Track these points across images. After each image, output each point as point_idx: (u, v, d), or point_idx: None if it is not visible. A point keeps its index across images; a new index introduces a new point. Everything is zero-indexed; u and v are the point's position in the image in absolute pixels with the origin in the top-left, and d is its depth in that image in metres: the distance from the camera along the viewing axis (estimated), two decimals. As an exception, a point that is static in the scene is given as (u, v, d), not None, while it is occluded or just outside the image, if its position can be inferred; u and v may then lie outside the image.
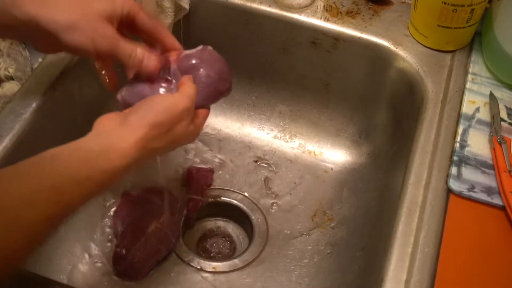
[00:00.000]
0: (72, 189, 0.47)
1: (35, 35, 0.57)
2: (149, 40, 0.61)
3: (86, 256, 0.77)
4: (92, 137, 0.52)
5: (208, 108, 0.61)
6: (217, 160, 0.90)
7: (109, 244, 0.79)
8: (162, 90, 0.59)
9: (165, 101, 0.55)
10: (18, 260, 0.44)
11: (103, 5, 0.56)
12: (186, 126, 0.56)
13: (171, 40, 0.62)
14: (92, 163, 0.49)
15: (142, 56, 0.57)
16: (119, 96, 0.59)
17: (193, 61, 0.60)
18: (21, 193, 0.44)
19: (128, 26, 0.60)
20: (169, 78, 0.60)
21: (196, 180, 0.85)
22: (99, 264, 0.77)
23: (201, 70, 0.60)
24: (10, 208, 0.42)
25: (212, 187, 0.87)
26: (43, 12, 0.54)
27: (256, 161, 0.90)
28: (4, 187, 0.43)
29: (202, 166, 0.88)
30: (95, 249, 0.78)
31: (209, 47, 0.62)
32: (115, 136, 0.51)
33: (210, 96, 0.61)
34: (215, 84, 0.61)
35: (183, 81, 0.58)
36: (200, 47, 0.62)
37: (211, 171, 0.87)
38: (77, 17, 0.55)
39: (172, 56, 0.61)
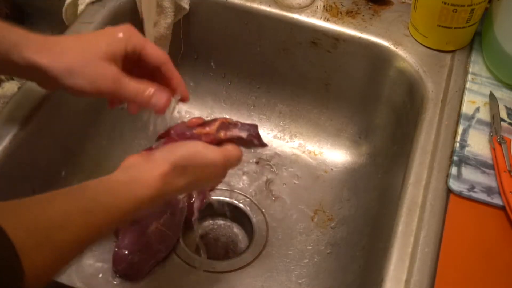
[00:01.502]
0: (100, 214, 0.48)
1: (37, 78, 0.58)
2: (157, 77, 0.60)
3: (86, 256, 0.77)
4: (119, 171, 0.54)
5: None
6: (217, 160, 0.90)
7: (109, 244, 0.79)
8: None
9: (195, 147, 0.57)
10: (47, 279, 0.45)
11: (105, 44, 0.55)
12: (213, 175, 0.59)
13: (178, 79, 0.60)
14: (117, 193, 0.50)
15: (150, 94, 0.56)
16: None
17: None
18: (53, 216, 0.45)
19: (135, 64, 0.59)
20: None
21: None
22: (99, 264, 0.77)
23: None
24: (43, 230, 0.43)
25: (212, 187, 0.87)
26: (42, 58, 0.54)
27: (256, 161, 0.90)
28: (37, 210, 0.44)
29: None
30: (95, 249, 0.78)
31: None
32: (140, 169, 0.53)
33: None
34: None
35: (229, 144, 0.61)
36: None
37: None
38: (76, 61, 0.54)
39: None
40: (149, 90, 0.57)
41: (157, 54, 0.58)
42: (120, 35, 0.56)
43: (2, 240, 0.39)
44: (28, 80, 0.62)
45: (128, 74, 0.56)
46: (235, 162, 0.61)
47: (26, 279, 0.40)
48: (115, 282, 0.76)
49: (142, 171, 0.53)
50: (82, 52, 0.54)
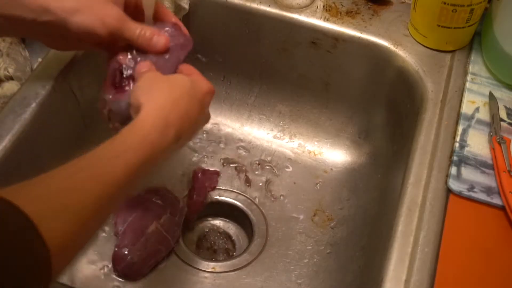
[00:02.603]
0: (112, 163, 0.48)
1: (45, 27, 0.58)
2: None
3: (86, 256, 0.77)
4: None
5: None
6: (216, 160, 0.90)
7: (109, 244, 0.79)
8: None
9: (157, 82, 0.57)
10: (74, 247, 0.44)
11: None
12: (196, 105, 0.57)
13: (170, 15, 0.63)
14: (124, 138, 0.50)
15: (151, 34, 0.59)
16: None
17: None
18: (61, 181, 0.44)
19: (130, 11, 0.60)
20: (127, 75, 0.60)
21: (201, 182, 0.85)
22: (99, 264, 0.77)
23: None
24: (56, 197, 0.43)
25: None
26: (50, 1, 0.55)
27: (256, 162, 0.90)
28: (48, 180, 0.44)
29: (208, 168, 0.88)
30: (95, 249, 0.78)
31: None
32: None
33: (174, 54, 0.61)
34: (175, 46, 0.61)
35: (141, 68, 0.58)
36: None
37: (216, 173, 0.87)
38: (84, 1, 0.56)
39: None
40: (150, 30, 0.59)
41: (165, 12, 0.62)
42: None
43: (16, 215, 0.38)
44: (35, 36, 0.62)
45: None
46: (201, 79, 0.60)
47: (49, 248, 0.39)
48: (115, 283, 0.76)
49: (136, 120, 0.52)
50: None
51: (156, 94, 0.54)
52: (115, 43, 0.60)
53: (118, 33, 0.57)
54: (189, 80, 0.57)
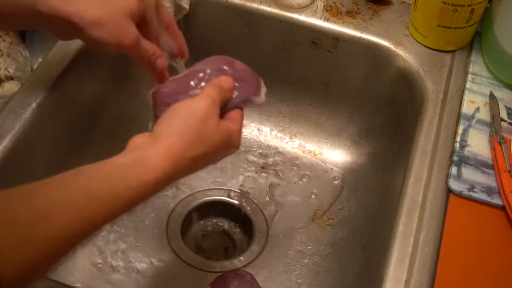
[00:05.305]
0: (94, 205, 0.43)
1: (57, 27, 0.58)
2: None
3: (86, 256, 0.77)
4: (123, 153, 0.49)
5: (241, 109, 0.59)
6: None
7: (109, 244, 0.79)
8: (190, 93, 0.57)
9: (187, 105, 0.53)
10: (30, 277, 0.41)
11: (124, 4, 0.57)
12: (217, 127, 0.53)
13: (181, 38, 0.64)
14: (118, 179, 0.45)
15: (159, 54, 0.60)
16: (156, 101, 0.59)
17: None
18: (37, 207, 0.41)
19: (140, 25, 0.61)
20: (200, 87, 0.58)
21: None
22: (99, 265, 0.77)
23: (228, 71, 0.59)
24: (24, 222, 0.40)
25: (212, 187, 0.87)
26: (69, 7, 0.55)
27: (255, 162, 0.90)
28: (20, 201, 0.41)
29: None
30: (95, 249, 0.78)
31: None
32: (145, 150, 0.48)
33: (240, 97, 0.59)
34: (244, 85, 0.59)
35: (206, 86, 0.57)
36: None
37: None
38: (104, 15, 0.56)
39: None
40: (159, 52, 0.60)
41: (167, 15, 0.63)
42: None
43: None
44: (49, 30, 0.62)
45: None
46: (216, 94, 0.55)
47: (3, 279, 0.37)
48: (115, 283, 0.76)
49: (147, 152, 0.48)
50: (108, 8, 0.56)
51: (176, 131, 0.51)
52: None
53: (131, 50, 0.58)
54: (227, 131, 0.54)
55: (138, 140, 0.50)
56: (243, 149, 0.91)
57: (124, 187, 0.45)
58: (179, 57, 0.66)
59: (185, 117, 0.52)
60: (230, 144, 0.55)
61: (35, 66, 0.75)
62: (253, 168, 0.89)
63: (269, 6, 0.82)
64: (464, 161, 0.65)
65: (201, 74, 0.58)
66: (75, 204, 0.43)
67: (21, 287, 0.41)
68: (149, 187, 0.47)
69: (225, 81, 0.57)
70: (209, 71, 0.58)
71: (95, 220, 0.44)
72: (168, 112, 0.53)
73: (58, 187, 0.43)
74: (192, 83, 0.58)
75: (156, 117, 0.57)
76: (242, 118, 0.58)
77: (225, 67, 0.59)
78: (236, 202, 0.86)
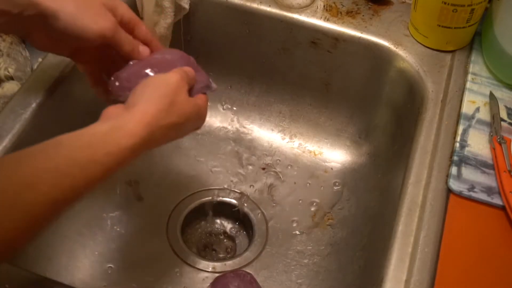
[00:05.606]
0: (75, 172, 0.46)
1: (34, 25, 0.57)
2: None
3: (86, 256, 0.77)
4: (98, 123, 0.51)
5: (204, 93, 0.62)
6: (216, 160, 0.90)
7: (109, 244, 0.79)
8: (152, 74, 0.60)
9: (159, 78, 0.57)
10: (20, 243, 0.44)
11: (105, 1, 0.58)
12: (187, 99, 0.56)
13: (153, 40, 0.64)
14: (97, 146, 0.48)
15: (138, 44, 0.61)
16: (115, 83, 0.59)
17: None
18: (22, 176, 0.43)
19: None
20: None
21: None
22: (99, 264, 0.77)
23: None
24: (11, 190, 0.42)
25: (212, 187, 0.87)
26: (47, 2, 0.54)
27: (255, 162, 0.90)
28: (6, 170, 0.43)
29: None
30: (95, 249, 0.78)
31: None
32: (121, 118, 0.51)
33: (200, 83, 0.62)
34: (200, 74, 0.62)
35: (173, 70, 0.59)
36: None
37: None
38: (81, 5, 0.56)
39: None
40: (136, 40, 0.61)
41: (150, 33, 0.63)
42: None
43: None
44: (22, 34, 0.61)
45: None
46: (185, 73, 0.59)
47: None
48: (115, 283, 0.76)
49: (123, 119, 0.50)
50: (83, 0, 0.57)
51: (150, 99, 0.54)
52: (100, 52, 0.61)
53: (112, 37, 0.58)
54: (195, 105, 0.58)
55: (112, 110, 0.53)
56: (243, 148, 0.91)
57: (103, 154, 0.47)
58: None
59: (157, 87, 0.55)
60: (199, 115, 0.59)
61: (35, 66, 0.75)
62: (253, 168, 0.89)
63: (269, 6, 0.82)
64: (464, 161, 0.65)
65: (160, 58, 0.61)
66: (58, 172, 0.45)
67: (12, 254, 0.43)
68: (127, 153, 0.49)
69: (189, 70, 0.60)
70: (169, 57, 0.61)
71: (77, 186, 0.46)
72: (140, 85, 0.56)
73: (42, 156, 0.45)
74: (152, 67, 0.59)
75: (118, 102, 0.58)
76: (207, 99, 0.61)
77: (183, 58, 0.63)
78: (236, 201, 0.86)
